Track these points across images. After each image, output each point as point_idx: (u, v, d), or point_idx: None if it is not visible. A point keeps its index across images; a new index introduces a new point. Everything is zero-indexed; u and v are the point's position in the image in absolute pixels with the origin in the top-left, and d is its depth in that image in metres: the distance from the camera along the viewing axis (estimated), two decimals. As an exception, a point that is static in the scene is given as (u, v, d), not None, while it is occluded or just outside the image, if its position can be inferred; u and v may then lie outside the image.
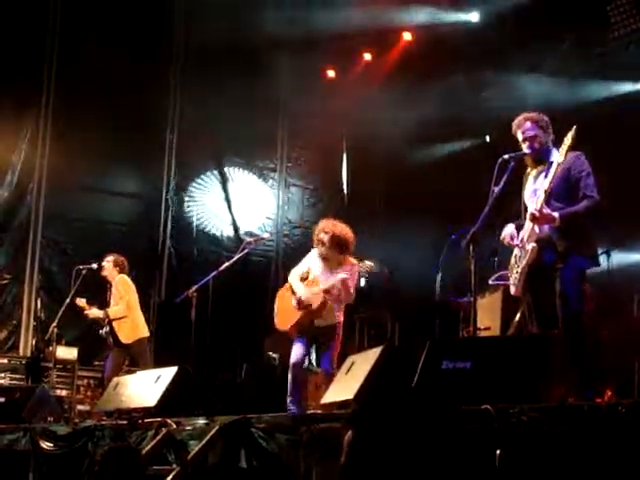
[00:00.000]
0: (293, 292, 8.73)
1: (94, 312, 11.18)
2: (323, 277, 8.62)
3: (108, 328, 11.05)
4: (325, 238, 8.65)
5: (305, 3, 14.68)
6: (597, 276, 7.53)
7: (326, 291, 8.48)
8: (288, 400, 8.43)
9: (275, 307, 8.91)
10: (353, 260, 8.72)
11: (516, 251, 6.58)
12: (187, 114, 15.37)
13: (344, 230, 8.71)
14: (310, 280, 8.67)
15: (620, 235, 10.08)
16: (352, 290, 8.57)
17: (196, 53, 15.10)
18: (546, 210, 6.23)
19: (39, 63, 14.19)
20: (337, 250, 8.64)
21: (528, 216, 6.35)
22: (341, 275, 8.46)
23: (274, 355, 12.27)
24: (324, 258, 8.70)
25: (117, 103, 14.32)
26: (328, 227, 8.73)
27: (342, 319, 8.69)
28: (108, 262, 11.37)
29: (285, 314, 8.76)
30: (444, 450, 2.53)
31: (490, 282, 8.59)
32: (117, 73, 14.24)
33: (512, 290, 6.66)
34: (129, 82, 14.36)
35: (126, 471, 5.14)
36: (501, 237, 6.73)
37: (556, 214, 6.23)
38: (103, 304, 11.44)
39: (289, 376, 8.53)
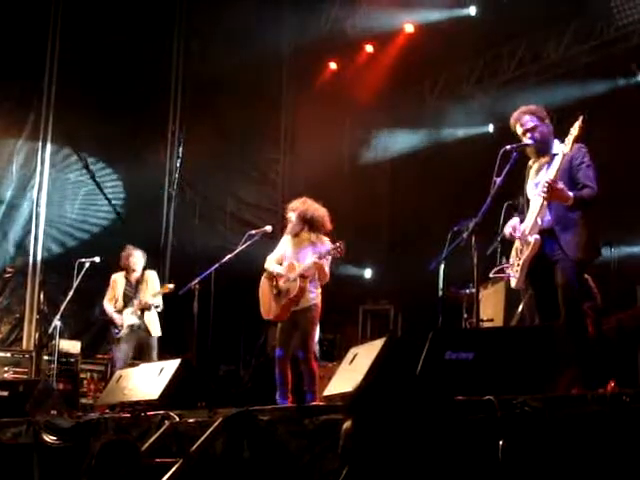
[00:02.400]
0: (271, 279, 8.70)
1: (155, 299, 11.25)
2: (299, 257, 8.58)
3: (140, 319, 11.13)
4: (293, 216, 8.65)
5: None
6: (600, 266, 7.53)
7: (301, 275, 8.46)
8: (277, 395, 8.44)
9: (260, 297, 8.88)
10: (326, 240, 8.67)
11: (517, 243, 6.56)
12: (190, 105, 15.40)
13: (312, 207, 8.67)
14: (286, 267, 8.64)
15: (623, 226, 10.07)
16: (327, 269, 8.51)
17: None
18: (561, 185, 6.17)
19: (41, 55, 14.20)
20: (305, 227, 8.60)
21: (541, 189, 6.28)
22: (314, 258, 8.42)
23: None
24: (294, 236, 8.65)
25: (119, 94, 14.34)
26: (296, 205, 8.72)
27: (318, 301, 8.59)
28: (138, 256, 11.42)
29: (267, 303, 8.72)
30: (446, 441, 2.52)
31: (491, 275, 8.57)
32: (118, 64, 14.26)
33: (512, 283, 6.65)
34: (130, 73, 14.40)
35: (124, 464, 5.13)
36: (504, 229, 6.72)
37: (571, 193, 6.18)
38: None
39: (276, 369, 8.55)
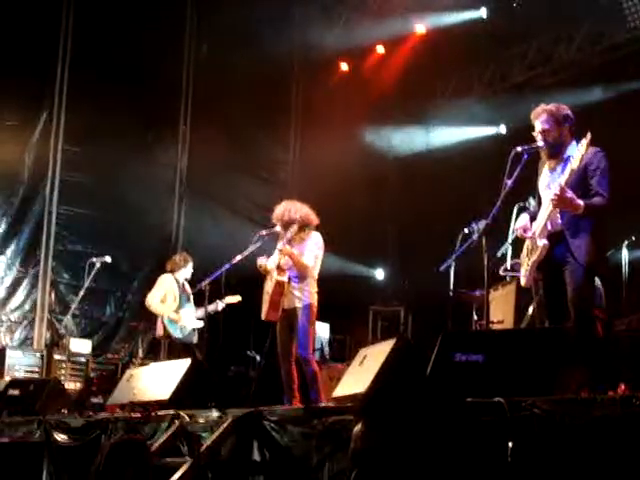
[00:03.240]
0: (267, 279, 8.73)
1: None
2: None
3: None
4: (279, 227, 8.66)
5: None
6: (613, 269, 7.52)
7: (278, 267, 8.47)
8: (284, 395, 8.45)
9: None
10: (314, 234, 8.66)
11: (528, 242, 6.55)
12: (200, 106, 15.45)
13: (293, 208, 8.62)
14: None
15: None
16: (304, 260, 8.46)
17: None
18: (570, 194, 6.14)
19: (53, 54, 14.25)
20: (294, 229, 8.61)
21: (551, 198, 6.25)
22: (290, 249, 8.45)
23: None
24: (289, 241, 8.62)
25: (130, 94, 14.39)
26: (278, 213, 8.70)
27: (312, 300, 8.48)
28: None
29: (264, 304, 8.74)
30: (456, 442, 2.53)
31: (501, 273, 8.57)
32: (130, 64, 14.31)
33: (522, 281, 6.64)
34: (142, 74, 14.45)
35: (133, 464, 5.15)
36: (515, 228, 6.71)
37: (581, 202, 6.15)
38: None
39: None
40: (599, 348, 6.09)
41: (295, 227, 8.58)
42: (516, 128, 12.79)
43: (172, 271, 11.50)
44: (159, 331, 11.37)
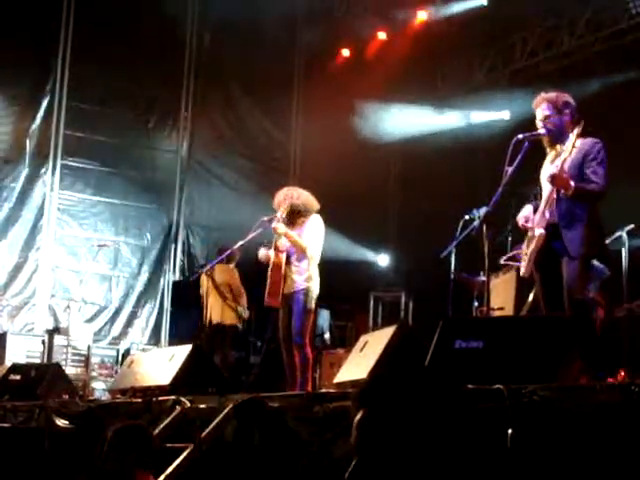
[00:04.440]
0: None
1: None
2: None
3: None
4: (281, 212, 8.63)
5: None
6: (614, 257, 7.52)
7: (275, 248, 8.48)
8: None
9: None
10: (315, 217, 8.61)
11: (530, 232, 6.57)
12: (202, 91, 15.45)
13: (295, 194, 8.58)
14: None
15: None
16: (302, 241, 8.46)
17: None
18: (566, 175, 6.20)
19: (54, 41, 14.25)
20: (297, 214, 8.61)
21: (547, 178, 6.31)
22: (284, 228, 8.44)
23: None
24: (289, 225, 8.60)
25: (131, 80, 14.41)
26: (279, 199, 8.65)
27: (309, 284, 8.43)
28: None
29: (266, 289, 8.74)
30: (456, 429, 2.54)
31: (501, 262, 8.58)
32: (131, 51, 14.32)
33: (521, 271, 6.66)
34: (142, 59, 14.47)
35: (135, 449, 5.17)
36: (517, 218, 6.72)
37: (572, 183, 6.20)
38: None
39: None
40: (595, 340, 6.12)
41: (287, 207, 8.55)
42: (517, 115, 12.78)
43: (229, 262, 11.64)
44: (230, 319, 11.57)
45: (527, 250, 6.49)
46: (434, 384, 2.50)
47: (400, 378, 2.49)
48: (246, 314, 11.76)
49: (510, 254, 8.40)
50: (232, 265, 11.60)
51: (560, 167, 6.21)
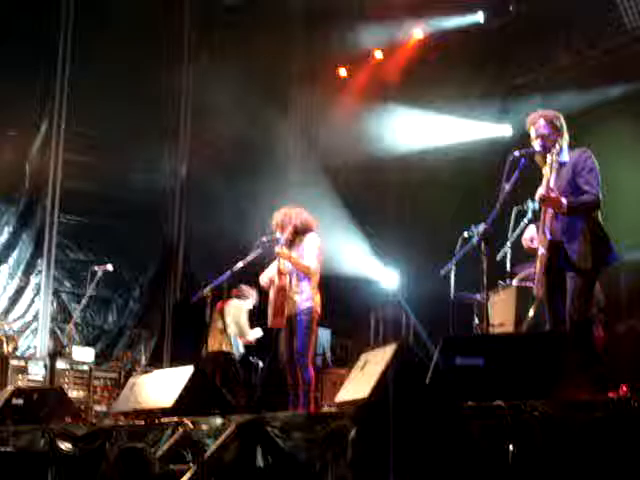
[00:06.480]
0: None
1: None
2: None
3: None
4: (279, 233, 8.67)
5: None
6: (612, 271, 7.53)
7: (278, 271, 8.50)
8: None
9: None
10: (311, 235, 8.69)
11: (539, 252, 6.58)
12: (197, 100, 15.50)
13: (293, 214, 8.72)
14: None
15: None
16: (304, 262, 8.51)
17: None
18: (554, 194, 6.22)
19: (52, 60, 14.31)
20: (295, 234, 8.65)
21: (537, 199, 6.36)
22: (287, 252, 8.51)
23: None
24: (288, 246, 8.63)
25: (130, 101, 14.45)
26: (278, 220, 8.75)
27: (311, 304, 8.50)
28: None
29: (269, 310, 8.77)
30: (456, 445, 2.56)
31: (514, 284, 8.61)
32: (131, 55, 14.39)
33: (534, 291, 6.65)
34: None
35: (137, 472, 5.18)
36: (522, 240, 6.75)
37: (564, 200, 6.22)
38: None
39: None
40: (596, 356, 6.13)
41: (290, 230, 8.61)
42: (521, 130, 12.80)
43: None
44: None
45: (536, 270, 6.51)
46: (431, 402, 2.52)
47: (396, 398, 2.51)
48: (240, 351, 12.05)
49: (522, 275, 8.42)
50: (244, 302, 12.07)
51: (546, 187, 6.24)
